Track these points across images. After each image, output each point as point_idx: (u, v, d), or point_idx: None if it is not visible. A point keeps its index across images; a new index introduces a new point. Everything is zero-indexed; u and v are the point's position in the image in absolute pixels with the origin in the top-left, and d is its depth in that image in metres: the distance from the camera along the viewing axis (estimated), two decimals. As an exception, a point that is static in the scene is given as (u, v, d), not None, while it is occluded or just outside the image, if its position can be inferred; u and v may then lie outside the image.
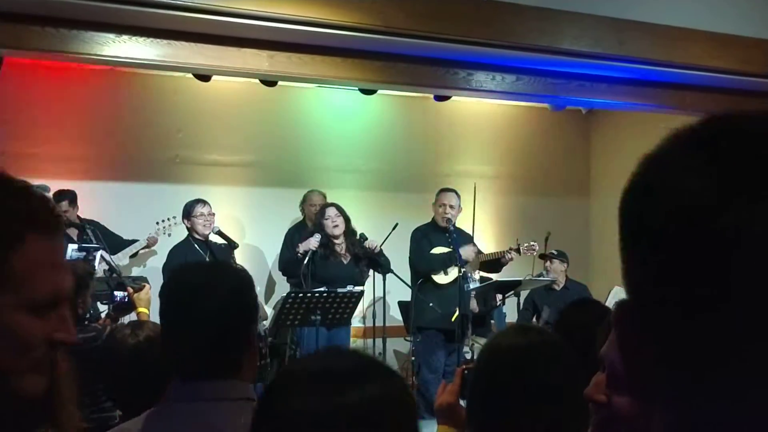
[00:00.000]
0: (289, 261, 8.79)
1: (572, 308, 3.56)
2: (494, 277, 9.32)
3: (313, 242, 8.46)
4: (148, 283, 6.35)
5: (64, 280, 1.51)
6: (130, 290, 6.01)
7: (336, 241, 8.63)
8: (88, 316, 5.40)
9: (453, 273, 8.72)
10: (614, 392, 1.63)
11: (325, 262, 8.52)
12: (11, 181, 1.49)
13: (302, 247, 8.51)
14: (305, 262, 8.40)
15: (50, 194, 7.39)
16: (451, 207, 8.91)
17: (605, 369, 1.63)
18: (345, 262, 8.64)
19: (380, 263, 8.63)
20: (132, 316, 6.19)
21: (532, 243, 9.27)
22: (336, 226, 8.60)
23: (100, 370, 3.41)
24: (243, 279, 2.48)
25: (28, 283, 1.43)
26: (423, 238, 8.93)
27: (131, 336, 3.21)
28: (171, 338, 2.42)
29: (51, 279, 1.47)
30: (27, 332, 1.44)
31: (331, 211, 8.64)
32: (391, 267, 8.61)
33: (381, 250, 8.65)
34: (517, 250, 8.99)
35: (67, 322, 1.50)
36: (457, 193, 9.09)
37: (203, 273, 2.52)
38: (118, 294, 6.35)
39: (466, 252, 8.76)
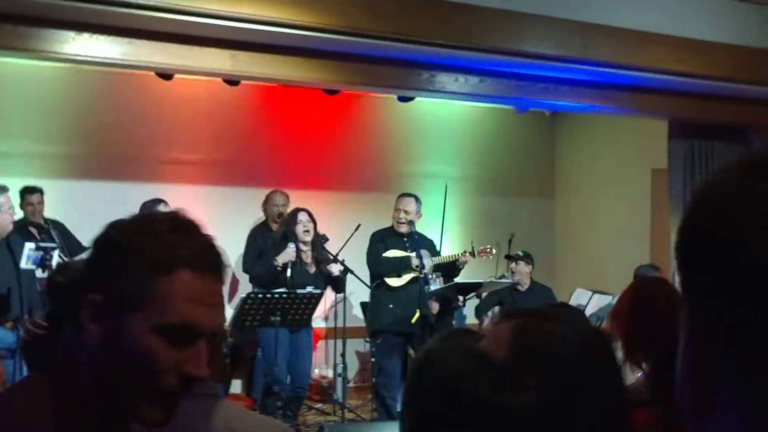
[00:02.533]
0: (268, 272, 8.52)
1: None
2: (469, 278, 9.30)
3: (291, 253, 8.38)
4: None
5: (206, 318, 1.59)
6: None
7: (303, 248, 8.54)
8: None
9: (406, 276, 8.68)
10: None
11: (293, 269, 8.43)
12: (182, 221, 1.64)
13: (281, 260, 8.38)
14: (288, 274, 8.29)
15: (7, 194, 7.32)
16: (406, 212, 8.82)
17: None
18: (311, 272, 8.54)
19: (336, 283, 8.60)
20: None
21: (487, 247, 9.25)
22: (307, 231, 8.50)
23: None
24: None
25: (168, 309, 1.54)
26: (379, 241, 8.86)
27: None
28: None
29: (191, 312, 1.55)
30: (157, 356, 1.53)
31: (303, 216, 8.54)
32: (350, 268, 8.55)
33: (340, 271, 8.57)
34: (472, 253, 8.96)
35: (201, 357, 1.58)
36: (417, 198, 9.00)
37: None
38: None
39: (414, 261, 8.68)
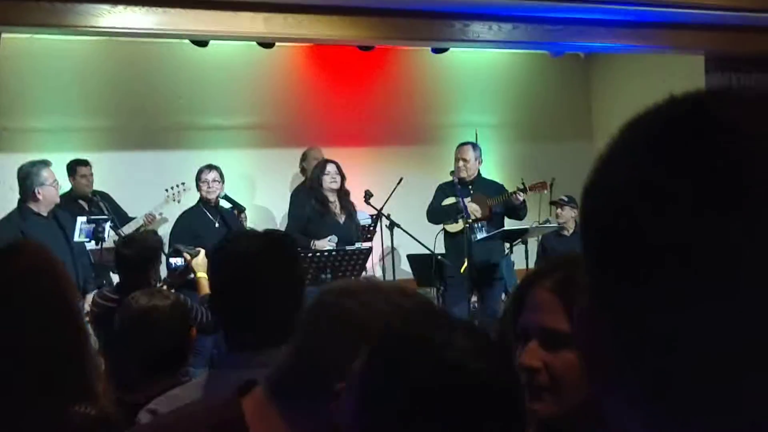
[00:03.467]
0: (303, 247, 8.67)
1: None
2: (515, 224, 9.33)
3: (328, 246, 8.47)
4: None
5: None
6: (188, 256, 6.05)
7: (330, 199, 8.63)
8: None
9: (461, 222, 8.80)
10: (552, 354, 1.66)
11: (322, 221, 8.52)
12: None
13: (319, 245, 8.46)
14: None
15: (50, 168, 7.43)
16: (465, 160, 8.97)
17: (534, 336, 1.68)
18: (341, 221, 8.63)
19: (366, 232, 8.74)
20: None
21: (539, 181, 9.25)
22: (334, 181, 8.60)
23: (122, 339, 3.48)
24: (293, 247, 2.50)
25: None
26: (440, 192, 9.06)
27: (152, 302, 3.28)
28: (226, 307, 2.45)
29: None
30: None
31: (331, 167, 8.63)
32: (396, 222, 8.61)
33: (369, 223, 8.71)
34: (523, 190, 8.96)
35: None
36: (474, 145, 9.14)
37: (256, 243, 2.52)
38: (174, 261, 6.41)
39: (471, 206, 8.80)
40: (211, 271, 2.50)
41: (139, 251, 5.29)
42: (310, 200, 8.75)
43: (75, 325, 2.02)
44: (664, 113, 0.75)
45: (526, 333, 1.71)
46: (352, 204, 8.74)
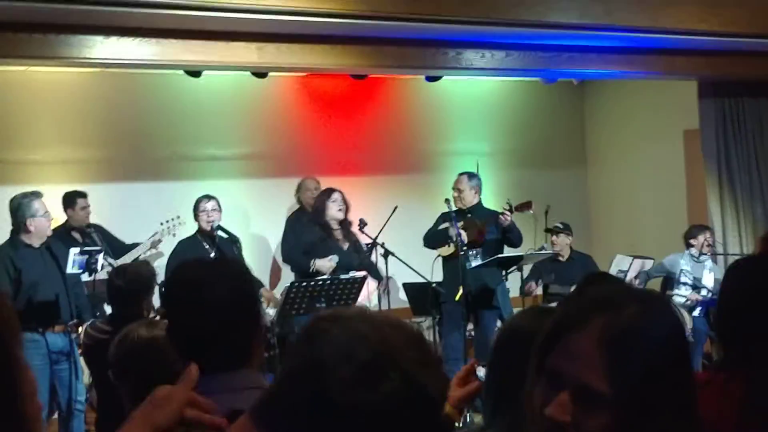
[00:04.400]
0: (303, 268, 8.69)
1: (589, 284, 3.47)
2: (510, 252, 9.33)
3: (329, 266, 8.48)
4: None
5: None
6: None
7: (334, 227, 8.66)
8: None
9: (453, 246, 8.84)
10: (583, 411, 1.52)
11: (324, 247, 8.55)
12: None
13: (318, 265, 8.47)
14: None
15: (41, 200, 7.41)
16: (459, 190, 9.09)
17: (567, 386, 1.54)
18: (344, 248, 8.67)
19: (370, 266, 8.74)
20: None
21: (525, 201, 9.22)
22: (340, 210, 8.64)
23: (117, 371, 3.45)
24: (241, 272, 2.51)
25: None
26: (440, 219, 9.15)
27: (147, 332, 3.23)
28: (179, 334, 2.45)
29: None
30: None
31: (338, 195, 8.69)
32: (391, 251, 8.62)
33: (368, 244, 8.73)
34: (510, 210, 8.93)
35: None
36: (470, 174, 9.22)
37: (202, 269, 2.54)
38: None
39: (451, 230, 8.85)
40: (163, 301, 2.53)
41: (131, 282, 5.27)
42: (312, 226, 8.76)
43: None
44: None
45: (556, 377, 1.57)
46: (354, 234, 8.76)
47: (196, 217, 8.61)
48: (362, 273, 8.39)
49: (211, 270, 2.53)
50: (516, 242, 9.08)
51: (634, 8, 7.71)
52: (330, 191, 8.81)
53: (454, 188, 9.16)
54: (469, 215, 9.01)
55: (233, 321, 2.38)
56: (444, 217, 9.09)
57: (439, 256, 9.07)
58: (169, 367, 3.20)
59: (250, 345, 2.40)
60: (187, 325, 2.41)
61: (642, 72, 8.83)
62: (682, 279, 9.44)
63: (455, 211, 8.94)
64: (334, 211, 8.62)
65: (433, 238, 9.09)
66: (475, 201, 9.15)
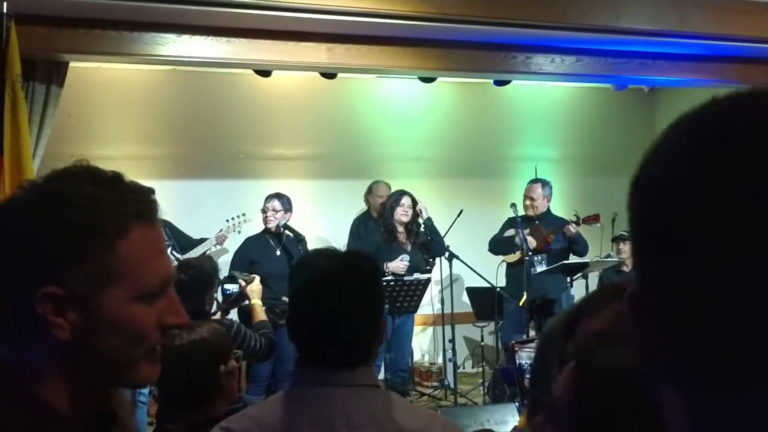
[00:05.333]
0: None
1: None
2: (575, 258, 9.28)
3: (402, 266, 8.49)
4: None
5: (168, 265, 1.52)
6: (243, 283, 6.09)
7: (399, 229, 8.67)
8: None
9: (518, 253, 8.81)
10: None
11: (390, 249, 8.56)
12: (104, 174, 1.48)
13: (391, 267, 8.49)
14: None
15: None
16: (532, 199, 9.10)
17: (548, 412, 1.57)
18: (408, 250, 8.67)
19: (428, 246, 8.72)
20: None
21: (593, 214, 9.19)
22: (405, 213, 8.66)
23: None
24: (375, 267, 2.49)
25: (139, 273, 1.43)
26: (506, 224, 9.15)
27: (178, 338, 3.19)
28: (303, 328, 2.42)
29: (157, 266, 1.48)
30: (141, 322, 1.44)
31: (405, 200, 8.71)
32: (456, 254, 8.60)
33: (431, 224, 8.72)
34: (577, 222, 8.92)
35: (176, 304, 1.51)
36: (544, 182, 9.22)
37: (338, 261, 2.50)
38: (230, 287, 6.47)
39: (528, 238, 8.81)
40: (291, 287, 2.49)
41: (194, 276, 5.30)
42: (378, 228, 8.79)
43: None
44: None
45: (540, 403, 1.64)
46: (423, 234, 8.76)
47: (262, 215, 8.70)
48: (426, 275, 8.39)
49: (343, 262, 2.49)
50: (582, 252, 9.05)
51: (707, 15, 7.61)
52: (400, 195, 8.82)
53: (526, 196, 9.14)
54: (537, 222, 8.97)
55: (361, 321, 2.36)
56: (510, 222, 9.06)
57: (503, 261, 9.05)
58: (186, 372, 3.16)
59: (372, 344, 2.40)
60: (314, 322, 2.37)
61: (715, 80, 8.70)
62: None
63: (521, 217, 8.90)
64: (398, 214, 8.64)
65: (499, 245, 9.09)
66: (545, 209, 9.12)
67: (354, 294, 2.36)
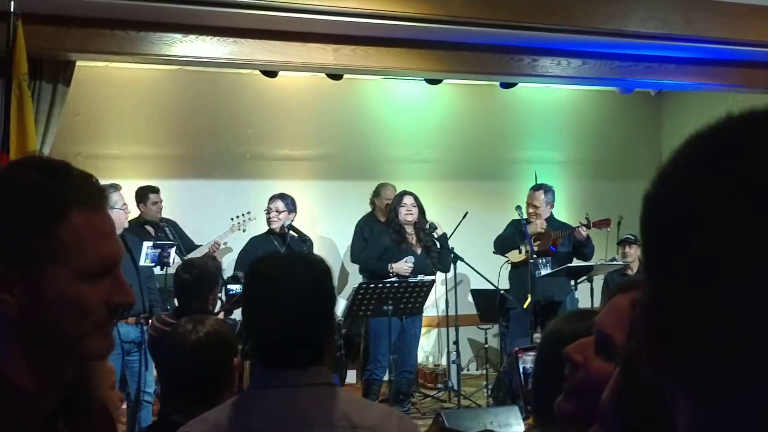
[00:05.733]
0: (378, 271, 8.69)
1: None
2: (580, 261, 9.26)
3: (406, 268, 8.47)
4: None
5: (113, 247, 1.59)
6: None
7: (408, 230, 8.64)
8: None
9: (524, 251, 8.80)
10: (597, 356, 1.64)
11: (398, 251, 8.54)
12: (51, 162, 1.59)
13: (396, 269, 8.47)
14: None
15: (120, 192, 7.55)
16: (535, 207, 9.04)
17: (595, 333, 1.65)
18: (417, 252, 8.65)
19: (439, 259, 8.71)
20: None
21: (604, 218, 9.16)
22: (409, 213, 8.62)
23: (164, 366, 3.48)
24: (322, 269, 2.53)
25: (79, 253, 1.52)
26: (512, 225, 9.12)
27: (193, 332, 3.23)
28: (255, 328, 2.49)
29: (99, 248, 1.54)
30: (83, 299, 1.52)
31: (408, 200, 8.67)
32: (460, 256, 8.60)
33: (445, 242, 8.69)
34: (587, 225, 8.89)
35: (122, 284, 1.58)
36: (546, 188, 9.15)
37: (284, 264, 2.57)
38: (233, 287, 6.48)
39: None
40: (244, 291, 2.56)
41: (198, 276, 5.32)
42: (387, 230, 8.77)
43: None
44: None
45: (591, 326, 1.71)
46: (431, 238, 8.72)
47: (266, 216, 8.70)
48: (431, 277, 8.39)
49: (292, 265, 2.55)
50: (589, 256, 9.04)
51: (714, 19, 7.61)
52: (401, 195, 8.81)
53: (529, 204, 9.09)
54: (526, 224, 8.91)
55: (311, 320, 2.40)
56: (515, 225, 9.05)
57: (507, 262, 9.04)
58: (200, 365, 3.19)
59: (323, 344, 2.43)
60: (266, 323, 2.43)
61: (721, 84, 8.70)
62: None
63: (526, 219, 8.89)
64: (402, 214, 8.62)
65: (505, 242, 9.06)
66: (548, 215, 9.09)
67: (303, 295, 2.40)
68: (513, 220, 9.12)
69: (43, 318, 1.52)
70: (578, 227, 8.83)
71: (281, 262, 2.64)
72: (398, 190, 9.48)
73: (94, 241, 1.54)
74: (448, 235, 8.74)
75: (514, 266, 9.01)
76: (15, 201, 1.50)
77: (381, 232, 8.93)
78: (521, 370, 3.67)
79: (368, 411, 2.44)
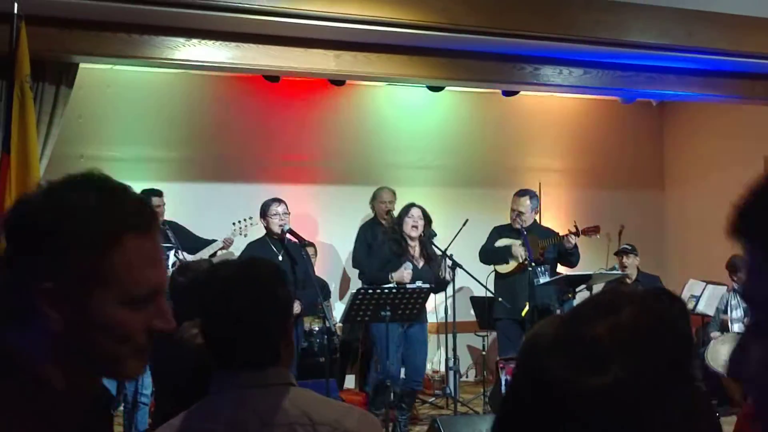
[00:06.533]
0: (379, 278, 8.65)
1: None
2: (568, 271, 9.26)
3: (407, 275, 8.47)
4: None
5: (160, 275, 1.62)
6: None
7: (411, 243, 8.61)
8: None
9: (513, 263, 8.77)
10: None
11: (398, 262, 8.52)
12: (108, 182, 1.60)
13: (396, 277, 8.47)
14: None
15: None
16: (521, 213, 8.92)
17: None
18: (419, 266, 8.59)
19: (441, 285, 8.70)
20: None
21: (593, 225, 9.14)
22: (415, 227, 8.56)
23: (167, 370, 3.50)
24: (274, 272, 2.59)
25: (127, 280, 1.55)
26: (495, 234, 9.02)
27: (198, 336, 3.23)
28: (211, 332, 2.55)
29: (147, 275, 1.58)
30: (126, 325, 1.56)
31: (415, 212, 8.59)
32: (459, 263, 8.60)
33: (449, 274, 8.69)
34: (576, 233, 8.87)
35: (164, 311, 1.62)
36: (532, 195, 9.05)
37: (236, 268, 2.64)
38: None
39: (520, 249, 8.76)
40: (200, 298, 2.62)
41: (193, 279, 5.31)
42: (387, 240, 8.73)
43: None
44: None
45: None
46: (434, 248, 8.70)
47: (267, 219, 8.65)
48: (427, 284, 8.38)
49: (243, 269, 2.62)
50: (575, 263, 9.03)
51: (715, 30, 7.64)
52: (409, 207, 8.76)
53: (513, 209, 8.99)
54: (525, 233, 8.90)
55: (261, 322, 2.47)
56: (500, 232, 9.01)
57: (494, 272, 9.00)
58: (193, 369, 3.21)
59: (278, 345, 2.48)
60: (218, 326, 2.51)
61: (721, 95, 8.73)
62: (735, 315, 9.39)
63: (525, 228, 8.86)
64: (408, 227, 8.58)
65: (492, 256, 8.99)
66: (532, 221, 9.05)
67: (254, 298, 2.47)
68: (495, 228, 9.09)
69: (86, 338, 1.55)
70: (567, 235, 8.82)
71: (232, 267, 2.69)
72: (399, 196, 9.51)
73: (143, 269, 1.57)
74: (449, 242, 8.74)
75: (500, 275, 8.97)
76: (71, 223, 1.52)
77: (381, 243, 8.88)
78: (503, 381, 3.69)
79: (328, 408, 2.48)
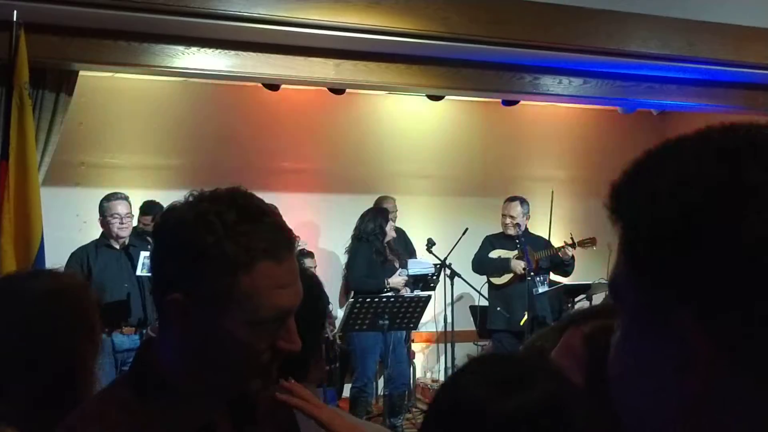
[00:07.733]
0: (370, 290, 8.64)
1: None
2: (565, 281, 9.25)
3: (402, 281, 8.47)
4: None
5: (290, 299, 1.64)
6: None
7: (388, 248, 8.66)
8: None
9: (507, 276, 8.75)
10: None
11: (382, 269, 8.53)
12: (247, 204, 1.64)
13: (392, 283, 8.47)
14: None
15: (127, 201, 7.60)
16: (512, 217, 8.89)
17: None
18: (396, 266, 8.63)
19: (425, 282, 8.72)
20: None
21: (589, 237, 9.14)
22: (392, 229, 8.67)
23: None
24: (311, 284, 2.49)
25: (255, 303, 1.58)
26: (489, 244, 8.97)
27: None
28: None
29: (275, 300, 1.60)
30: (251, 345, 1.60)
31: (393, 216, 8.71)
32: (458, 272, 8.60)
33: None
34: (572, 245, 8.86)
35: (291, 332, 1.65)
36: (522, 200, 9.04)
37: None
38: None
39: (516, 262, 8.74)
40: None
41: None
42: (368, 251, 8.73)
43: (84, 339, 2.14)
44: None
45: None
46: (395, 250, 8.75)
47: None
48: (427, 293, 8.38)
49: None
50: (570, 273, 9.03)
51: (716, 41, 7.62)
52: (386, 211, 8.79)
53: (505, 215, 8.99)
54: (518, 241, 8.87)
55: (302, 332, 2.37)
56: (492, 242, 8.99)
57: (487, 282, 8.98)
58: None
59: (308, 358, 2.38)
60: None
61: (723, 106, 8.70)
62: None
63: (524, 237, 8.84)
64: (389, 227, 8.66)
65: (486, 267, 8.98)
66: (524, 227, 9.03)
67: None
68: (488, 237, 9.07)
69: (212, 353, 1.62)
70: (563, 248, 8.81)
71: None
72: (399, 205, 9.50)
73: (272, 293, 1.60)
74: (448, 251, 8.73)
75: (493, 286, 8.95)
76: (207, 240, 1.56)
77: (361, 253, 8.87)
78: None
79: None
